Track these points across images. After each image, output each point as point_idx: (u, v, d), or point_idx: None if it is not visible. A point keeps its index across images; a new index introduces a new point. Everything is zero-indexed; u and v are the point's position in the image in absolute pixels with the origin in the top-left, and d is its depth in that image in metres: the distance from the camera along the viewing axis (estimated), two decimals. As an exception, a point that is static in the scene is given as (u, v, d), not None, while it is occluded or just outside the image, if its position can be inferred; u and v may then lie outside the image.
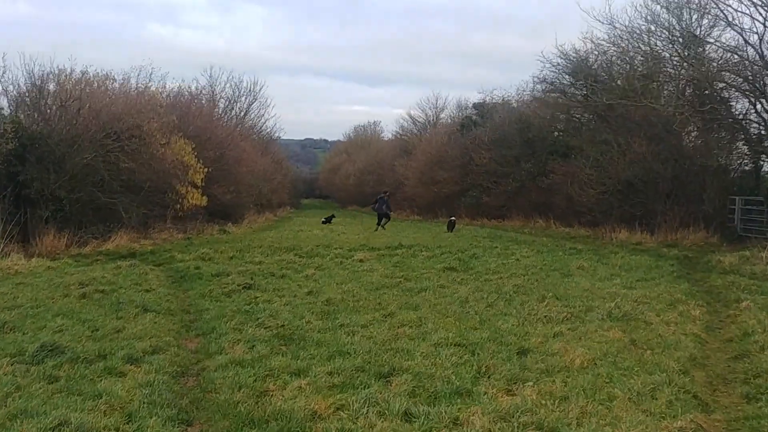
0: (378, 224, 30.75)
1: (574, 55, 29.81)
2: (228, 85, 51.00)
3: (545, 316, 9.16)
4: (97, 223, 21.12)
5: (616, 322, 8.85)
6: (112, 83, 24.97)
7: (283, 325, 8.56)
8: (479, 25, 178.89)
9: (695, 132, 25.03)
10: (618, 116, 25.19)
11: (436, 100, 62.35)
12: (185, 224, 25.31)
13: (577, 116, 31.43)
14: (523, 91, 39.28)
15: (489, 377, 6.50)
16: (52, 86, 22.25)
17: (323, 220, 38.61)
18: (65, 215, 20.24)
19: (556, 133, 34.05)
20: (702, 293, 11.84)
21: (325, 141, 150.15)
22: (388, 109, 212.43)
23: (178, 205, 24.90)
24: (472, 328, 8.50)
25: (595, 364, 6.88)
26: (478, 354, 7.20)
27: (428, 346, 7.54)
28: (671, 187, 21.99)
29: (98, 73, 23.91)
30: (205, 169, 27.03)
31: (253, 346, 7.57)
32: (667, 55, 26.29)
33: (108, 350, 7.34)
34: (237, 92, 51.13)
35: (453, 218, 31.47)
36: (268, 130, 57.05)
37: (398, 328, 8.49)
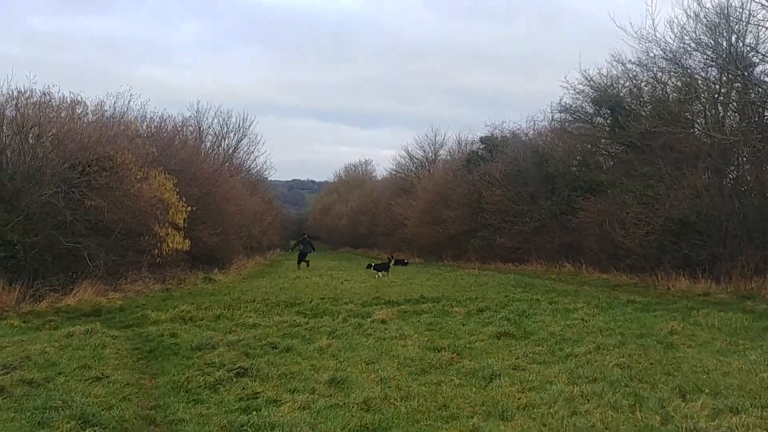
0: (300, 262, 34.52)
1: (599, 80, 26.82)
2: (216, 120, 47.86)
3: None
4: (58, 273, 17.56)
5: None
6: (83, 108, 21.52)
7: (309, 465, 5.06)
8: (467, 64, 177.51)
9: (748, 165, 21.93)
10: (661, 146, 21.96)
11: (435, 136, 59.34)
12: (164, 272, 21.71)
13: (606, 148, 28.23)
14: (540, 121, 36.36)
15: None
16: (9, 111, 18.88)
17: None
18: (18, 263, 16.70)
19: (574, 168, 30.89)
20: None
21: (313, 182, 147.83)
22: (377, 150, 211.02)
23: (156, 250, 21.29)
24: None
25: None
26: None
27: None
28: (737, 227, 18.69)
29: (64, 95, 20.51)
30: (189, 208, 23.56)
31: None
32: (710, 76, 23.37)
33: None
34: (225, 128, 47.96)
35: (389, 260, 30.50)
36: (258, 168, 53.74)
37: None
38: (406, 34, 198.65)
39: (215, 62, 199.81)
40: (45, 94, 19.41)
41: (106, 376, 8.17)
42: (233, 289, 20.22)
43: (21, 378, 7.78)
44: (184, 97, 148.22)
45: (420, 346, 10.21)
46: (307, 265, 34.02)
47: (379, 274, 26.58)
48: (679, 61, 22.77)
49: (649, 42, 22.66)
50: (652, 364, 8.79)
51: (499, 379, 7.93)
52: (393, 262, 30.40)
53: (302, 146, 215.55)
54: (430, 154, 59.36)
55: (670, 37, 22.62)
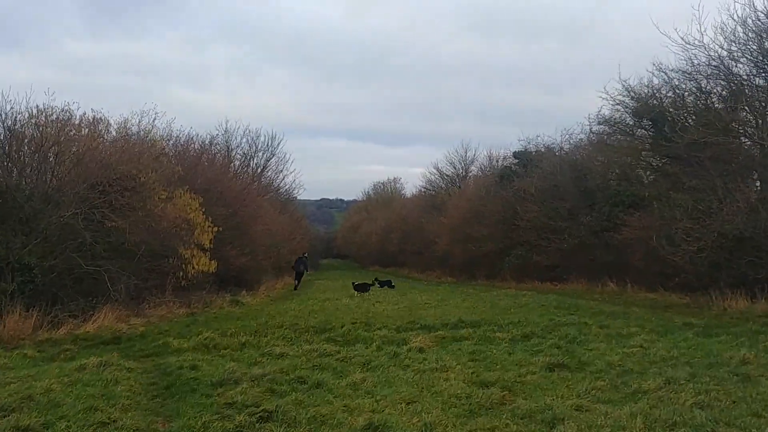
0: (297, 281, 33.98)
1: (640, 90, 25.55)
2: (244, 139, 47.42)
3: None
4: (77, 298, 16.78)
5: None
6: (105, 126, 20.89)
7: None
8: (496, 82, 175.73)
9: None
10: (710, 157, 20.69)
11: (465, 153, 58.10)
12: (189, 296, 20.86)
13: (647, 160, 26.91)
14: (577, 134, 35.13)
15: None
16: (28, 130, 18.23)
17: None
18: (36, 288, 15.92)
19: (613, 181, 29.58)
20: None
21: (341, 201, 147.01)
22: (406, 168, 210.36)
23: (181, 273, 20.49)
24: None
25: None
26: None
27: None
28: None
29: (85, 113, 19.88)
30: (215, 229, 22.78)
31: None
32: (758, 83, 22.05)
33: None
34: (254, 147, 47.54)
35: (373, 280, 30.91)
36: (287, 187, 53.12)
37: None
38: (436, 54, 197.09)
39: (246, 84, 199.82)
40: (65, 111, 18.78)
41: (114, 421, 7.21)
42: (261, 313, 19.32)
43: (16, 425, 6.86)
44: (213, 120, 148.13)
45: (465, 381, 9.14)
46: (297, 285, 33.45)
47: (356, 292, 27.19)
48: (727, 68, 21.58)
49: (695, 48, 21.51)
50: (734, 402, 7.66)
51: (563, 424, 6.83)
52: (377, 284, 30.17)
53: (330, 165, 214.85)
54: (461, 171, 58.24)
55: (717, 43, 21.31)
